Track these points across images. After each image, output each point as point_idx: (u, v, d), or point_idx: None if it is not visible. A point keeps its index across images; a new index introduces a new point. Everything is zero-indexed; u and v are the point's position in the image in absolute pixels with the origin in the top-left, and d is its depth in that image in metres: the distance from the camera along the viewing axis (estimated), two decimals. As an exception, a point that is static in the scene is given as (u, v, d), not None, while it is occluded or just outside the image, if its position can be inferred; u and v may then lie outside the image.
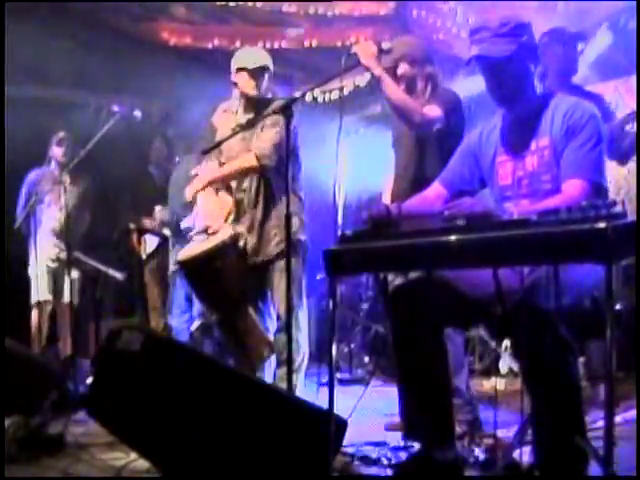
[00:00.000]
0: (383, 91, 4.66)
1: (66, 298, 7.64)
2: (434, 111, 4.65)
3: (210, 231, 5.38)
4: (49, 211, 7.59)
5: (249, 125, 5.38)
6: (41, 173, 7.91)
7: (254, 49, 5.67)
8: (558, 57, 5.22)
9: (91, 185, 7.93)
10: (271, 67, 5.51)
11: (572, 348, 3.04)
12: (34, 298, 7.68)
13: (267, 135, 5.25)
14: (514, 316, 3.05)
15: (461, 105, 4.84)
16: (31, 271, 7.66)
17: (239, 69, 5.44)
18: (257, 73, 5.43)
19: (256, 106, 5.46)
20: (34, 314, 7.66)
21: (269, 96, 5.54)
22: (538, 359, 2.98)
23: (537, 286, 3.01)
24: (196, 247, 5.29)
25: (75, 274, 7.56)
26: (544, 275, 2.98)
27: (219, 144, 5.27)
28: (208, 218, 5.52)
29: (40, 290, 7.67)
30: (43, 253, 7.51)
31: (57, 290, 7.78)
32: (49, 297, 7.72)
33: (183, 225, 6.76)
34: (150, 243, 7.56)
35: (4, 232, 7.61)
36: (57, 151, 7.83)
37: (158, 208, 7.63)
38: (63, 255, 7.55)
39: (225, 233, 5.22)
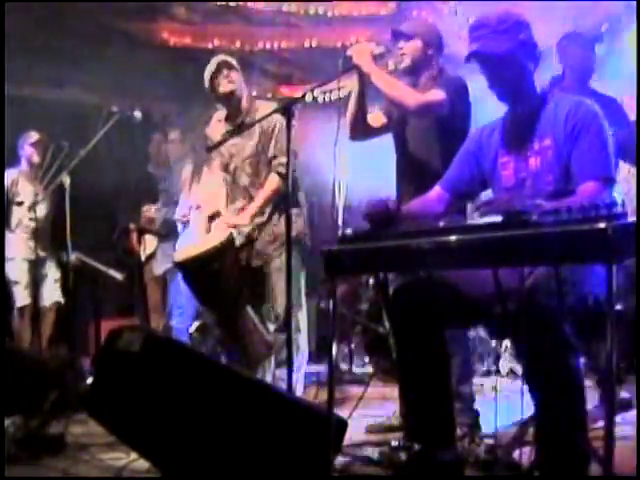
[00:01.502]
0: (375, 84, 4.62)
1: (49, 299, 7.65)
2: (436, 95, 4.55)
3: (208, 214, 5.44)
4: (27, 212, 7.39)
5: (238, 130, 5.41)
6: (16, 173, 7.74)
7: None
8: (576, 60, 5.25)
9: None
10: (232, 62, 5.54)
11: (574, 348, 3.04)
12: (17, 303, 7.55)
13: (282, 147, 5.22)
14: (516, 316, 3.04)
15: (467, 90, 4.74)
16: (10, 274, 7.59)
17: (210, 85, 5.52)
18: (220, 70, 5.48)
19: (239, 108, 5.51)
20: (16, 319, 7.59)
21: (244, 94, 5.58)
22: (540, 359, 2.98)
23: (539, 285, 3.00)
24: (194, 248, 5.29)
25: (58, 274, 7.54)
26: (546, 274, 2.97)
27: (221, 143, 5.28)
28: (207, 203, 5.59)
29: (22, 295, 7.55)
30: (23, 255, 7.47)
31: (40, 292, 7.70)
32: (28, 301, 7.56)
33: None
34: (150, 243, 7.55)
35: (4, 232, 7.57)
36: (30, 151, 7.70)
37: (145, 207, 7.57)
38: (43, 255, 7.54)
39: (223, 234, 5.23)
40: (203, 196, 5.81)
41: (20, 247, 7.42)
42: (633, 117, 5.28)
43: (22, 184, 7.62)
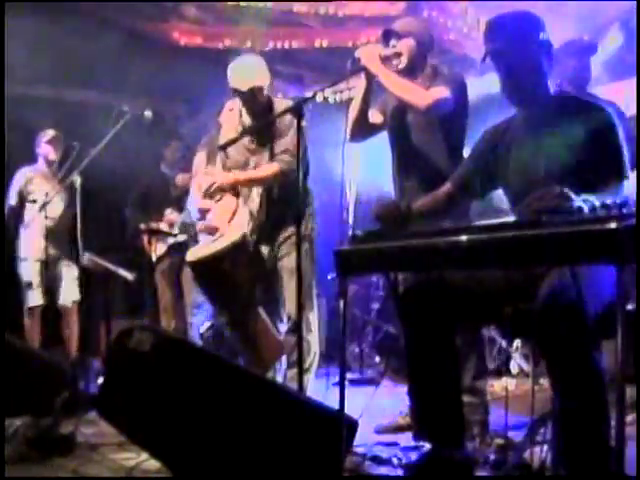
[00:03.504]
0: (384, 85, 4.63)
1: (69, 298, 7.66)
2: (441, 92, 4.56)
3: (217, 234, 5.39)
4: (43, 210, 7.31)
5: (255, 128, 5.38)
6: (31, 171, 7.75)
7: (247, 65, 5.54)
8: (572, 68, 5.30)
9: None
10: (265, 83, 5.38)
11: (597, 343, 3.03)
12: (29, 303, 7.52)
13: (291, 145, 5.22)
14: (541, 314, 3.02)
15: (466, 86, 4.79)
16: (24, 273, 7.57)
17: (234, 90, 5.40)
18: (248, 95, 5.36)
19: (259, 109, 5.45)
20: (27, 319, 7.53)
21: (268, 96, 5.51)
22: (568, 356, 2.96)
23: (562, 284, 2.98)
24: (206, 248, 5.29)
25: (76, 273, 7.51)
26: (563, 273, 2.96)
27: (235, 140, 5.25)
28: (215, 220, 5.53)
29: (34, 295, 7.53)
30: (36, 254, 7.45)
31: (53, 292, 7.71)
32: (40, 302, 7.54)
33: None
34: (161, 244, 7.56)
35: (4, 232, 7.55)
36: (47, 149, 7.70)
37: (168, 211, 7.62)
38: (58, 255, 7.55)
39: (235, 234, 5.22)
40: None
41: (34, 246, 7.40)
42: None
43: (37, 182, 7.60)
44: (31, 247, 7.43)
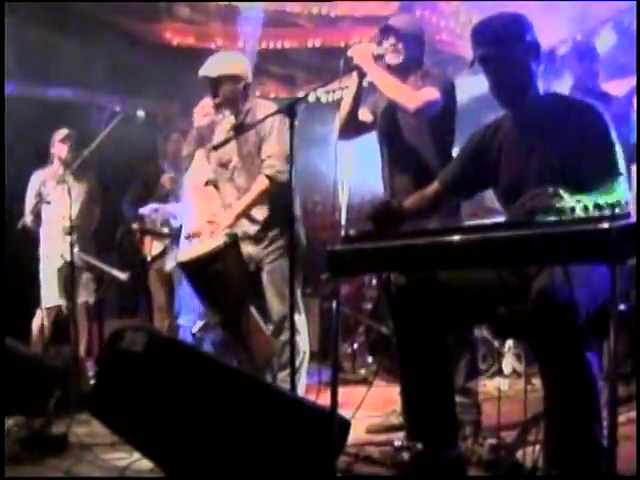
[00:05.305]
0: (376, 84, 4.64)
1: (81, 298, 7.60)
2: (431, 94, 4.56)
3: (205, 231, 5.39)
4: (56, 210, 7.22)
5: (239, 129, 5.37)
6: (45, 172, 7.70)
7: (224, 55, 5.56)
8: (581, 70, 5.45)
9: (95, 184, 7.84)
10: (211, 74, 5.39)
11: (588, 342, 3.03)
12: (46, 303, 7.47)
13: (274, 149, 5.23)
14: (532, 314, 3.02)
15: (455, 87, 4.79)
16: (42, 273, 7.58)
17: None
18: (217, 81, 5.39)
19: (238, 109, 5.46)
20: (39, 317, 7.51)
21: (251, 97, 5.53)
22: (559, 355, 2.96)
23: (553, 284, 2.98)
24: (196, 248, 5.28)
25: (87, 274, 7.51)
26: (556, 273, 2.96)
27: (227, 141, 5.24)
28: (202, 217, 5.54)
29: (52, 294, 7.52)
30: (53, 254, 7.42)
31: (68, 291, 7.66)
32: (60, 302, 7.53)
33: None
34: (157, 244, 7.53)
35: (4, 232, 7.54)
36: (61, 148, 7.64)
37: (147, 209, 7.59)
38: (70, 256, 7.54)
39: (225, 234, 5.22)
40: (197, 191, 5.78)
41: (51, 247, 7.40)
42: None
43: (50, 182, 7.55)
44: (48, 248, 7.43)
